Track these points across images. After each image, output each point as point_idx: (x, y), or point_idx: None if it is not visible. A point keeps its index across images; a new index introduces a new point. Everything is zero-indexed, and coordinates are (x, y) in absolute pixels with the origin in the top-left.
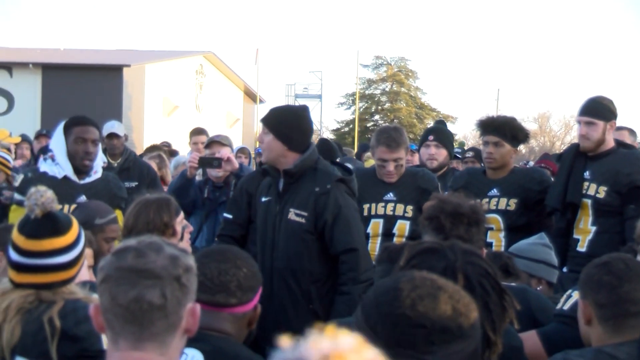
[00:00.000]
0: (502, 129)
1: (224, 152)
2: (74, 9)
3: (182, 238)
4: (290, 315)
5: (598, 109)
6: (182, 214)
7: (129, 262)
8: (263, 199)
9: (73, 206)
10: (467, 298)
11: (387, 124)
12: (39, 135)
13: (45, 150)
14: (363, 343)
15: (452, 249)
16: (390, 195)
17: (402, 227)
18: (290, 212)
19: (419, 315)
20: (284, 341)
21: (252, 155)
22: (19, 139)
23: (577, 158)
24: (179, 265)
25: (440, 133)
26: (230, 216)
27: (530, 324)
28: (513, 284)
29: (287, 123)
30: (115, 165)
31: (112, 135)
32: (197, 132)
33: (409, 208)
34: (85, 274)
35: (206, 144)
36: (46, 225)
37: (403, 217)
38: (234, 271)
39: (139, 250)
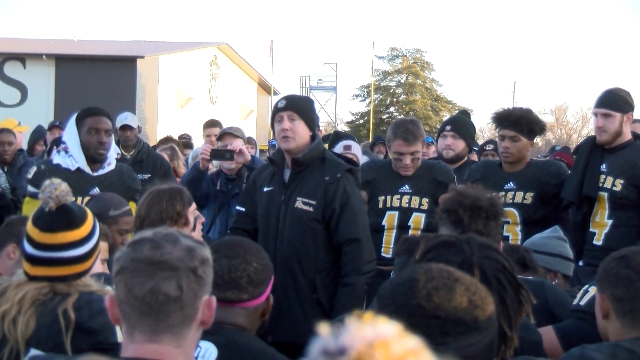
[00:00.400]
0: (519, 123)
1: (236, 144)
2: None
3: (194, 228)
4: (293, 305)
5: (615, 101)
6: (194, 204)
7: (145, 254)
8: (265, 189)
9: (87, 199)
10: (484, 291)
11: (402, 116)
12: (51, 127)
13: (58, 142)
14: (404, 330)
15: (469, 243)
16: (405, 188)
17: (418, 220)
18: (297, 200)
19: (434, 306)
20: (323, 329)
21: (264, 148)
22: (27, 128)
23: (594, 151)
24: (195, 257)
25: (459, 123)
26: (242, 209)
27: (547, 318)
28: (530, 277)
29: (312, 110)
30: (129, 157)
31: (126, 127)
32: (211, 124)
33: (425, 201)
34: (98, 266)
35: (218, 135)
36: (60, 218)
37: (418, 210)
38: (244, 266)
39: (155, 241)
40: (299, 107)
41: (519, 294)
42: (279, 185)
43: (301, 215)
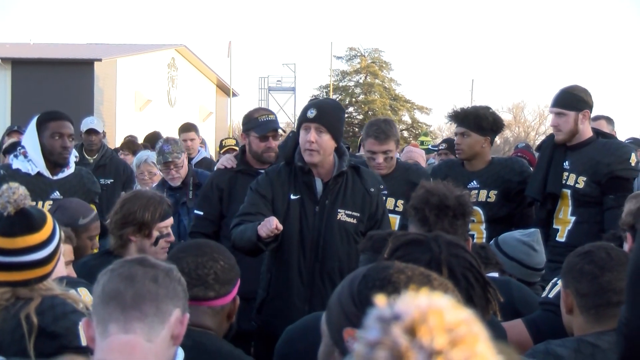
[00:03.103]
0: (467, 119)
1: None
2: (43, 2)
3: (156, 243)
4: None
5: (568, 100)
6: (169, 221)
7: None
8: (292, 197)
9: (47, 202)
10: (449, 283)
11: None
12: (10, 132)
13: (14, 146)
14: (457, 303)
15: (436, 241)
16: None
17: (392, 221)
18: (340, 212)
19: None
20: (380, 299)
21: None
22: None
23: (557, 148)
24: (173, 269)
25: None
26: (201, 212)
27: (512, 316)
28: (496, 274)
29: (340, 122)
30: (92, 161)
31: (91, 131)
32: (185, 129)
33: (400, 202)
34: (62, 269)
35: (162, 162)
36: (19, 222)
37: (393, 212)
38: (211, 264)
39: (140, 257)
40: (328, 120)
41: (486, 292)
42: (309, 195)
43: (346, 228)
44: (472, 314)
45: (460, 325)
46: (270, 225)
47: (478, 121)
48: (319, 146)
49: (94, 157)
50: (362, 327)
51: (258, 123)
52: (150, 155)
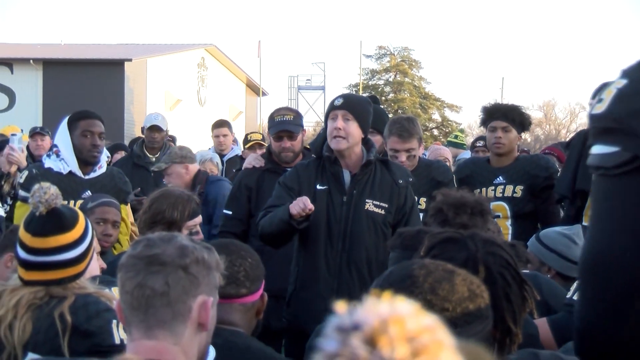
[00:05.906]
0: (511, 115)
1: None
2: (74, 3)
3: None
4: None
5: None
6: (198, 219)
7: (139, 251)
8: (319, 187)
9: (79, 202)
10: (477, 279)
11: (391, 115)
12: (33, 134)
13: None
14: (420, 309)
15: (473, 239)
16: None
17: None
18: (368, 203)
19: (441, 299)
20: (340, 306)
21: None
22: (26, 137)
23: (587, 145)
24: (187, 254)
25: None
26: (229, 212)
27: (542, 310)
28: (525, 270)
29: (368, 113)
30: (154, 159)
31: (154, 128)
32: (218, 124)
33: (422, 200)
34: (95, 268)
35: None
36: (51, 222)
37: None
38: (241, 261)
39: (150, 240)
40: (355, 107)
41: (523, 290)
42: (336, 185)
43: (374, 218)
44: (436, 320)
45: (422, 334)
46: (302, 203)
47: (522, 119)
48: (346, 133)
49: (156, 155)
50: (322, 336)
51: (273, 123)
52: (214, 155)
